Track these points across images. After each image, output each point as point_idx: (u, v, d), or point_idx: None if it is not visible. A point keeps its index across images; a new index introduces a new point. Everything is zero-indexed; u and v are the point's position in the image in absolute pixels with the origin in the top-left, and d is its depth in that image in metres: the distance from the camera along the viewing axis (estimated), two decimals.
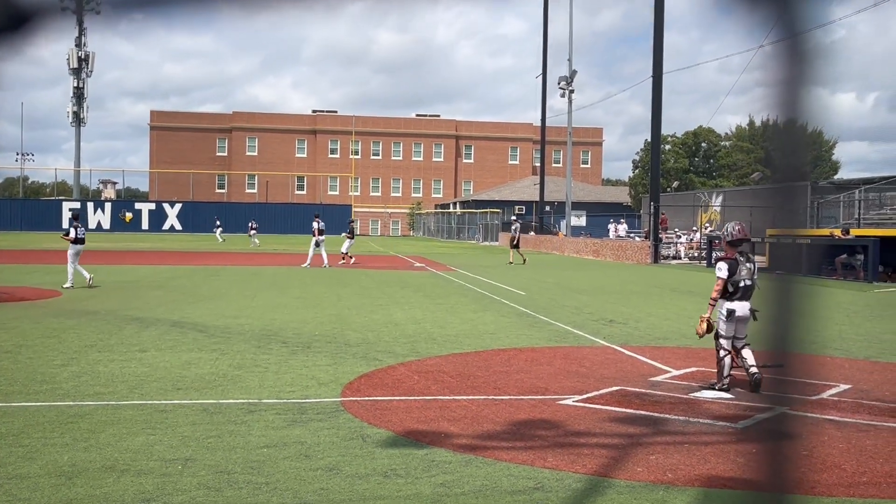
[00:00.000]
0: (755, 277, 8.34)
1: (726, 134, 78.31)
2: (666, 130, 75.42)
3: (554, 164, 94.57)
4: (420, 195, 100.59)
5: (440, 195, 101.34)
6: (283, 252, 41.33)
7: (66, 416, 6.75)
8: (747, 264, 8.36)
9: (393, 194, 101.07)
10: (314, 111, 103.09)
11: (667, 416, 7.23)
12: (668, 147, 71.40)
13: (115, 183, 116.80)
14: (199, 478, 5.19)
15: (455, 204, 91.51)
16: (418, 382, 8.53)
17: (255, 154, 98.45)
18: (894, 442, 6.50)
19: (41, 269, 24.96)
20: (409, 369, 9.27)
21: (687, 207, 47.50)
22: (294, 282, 21.90)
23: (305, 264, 28.44)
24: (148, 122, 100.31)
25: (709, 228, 40.79)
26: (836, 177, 64.90)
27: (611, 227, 54.18)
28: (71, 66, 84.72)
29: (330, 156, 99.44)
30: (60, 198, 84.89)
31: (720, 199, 45.76)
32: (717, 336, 8.33)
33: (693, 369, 9.60)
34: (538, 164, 64.44)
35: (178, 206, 77.23)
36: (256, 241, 50.66)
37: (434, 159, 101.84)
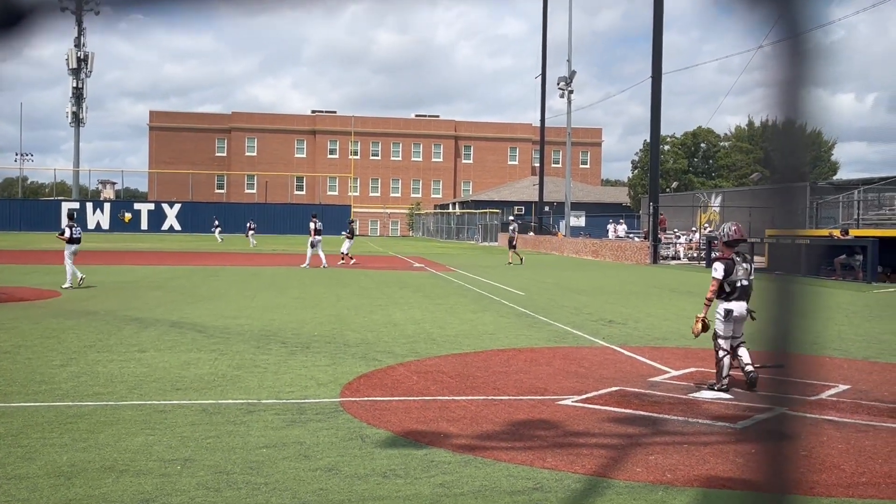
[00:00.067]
0: (752, 278, 8.35)
1: (725, 134, 78.36)
2: (665, 131, 75.60)
3: (553, 165, 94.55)
4: (419, 195, 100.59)
5: (439, 195, 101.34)
6: (283, 252, 41.32)
7: (65, 416, 6.75)
8: (744, 264, 8.36)
9: (392, 195, 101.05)
10: (313, 111, 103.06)
11: (666, 416, 7.23)
12: (667, 147, 71.45)
13: (114, 183, 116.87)
14: (198, 478, 5.19)
15: (454, 204, 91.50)
16: (417, 383, 8.52)
17: (255, 154, 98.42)
18: (893, 442, 6.51)
19: (40, 269, 24.94)
20: (408, 370, 9.27)
21: (686, 208, 47.51)
22: (293, 282, 21.90)
23: (304, 265, 28.43)
24: (147, 123, 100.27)
25: (708, 229, 40.79)
26: (835, 177, 64.93)
27: (610, 227, 54.19)
28: (70, 67, 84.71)
29: (329, 156, 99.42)
30: (60, 198, 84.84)
31: (719, 199, 45.78)
32: (716, 336, 8.33)
33: (692, 370, 9.60)
34: (537, 165, 64.41)
35: (177, 207, 77.21)
36: (254, 241, 50.72)
37: (433, 160, 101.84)
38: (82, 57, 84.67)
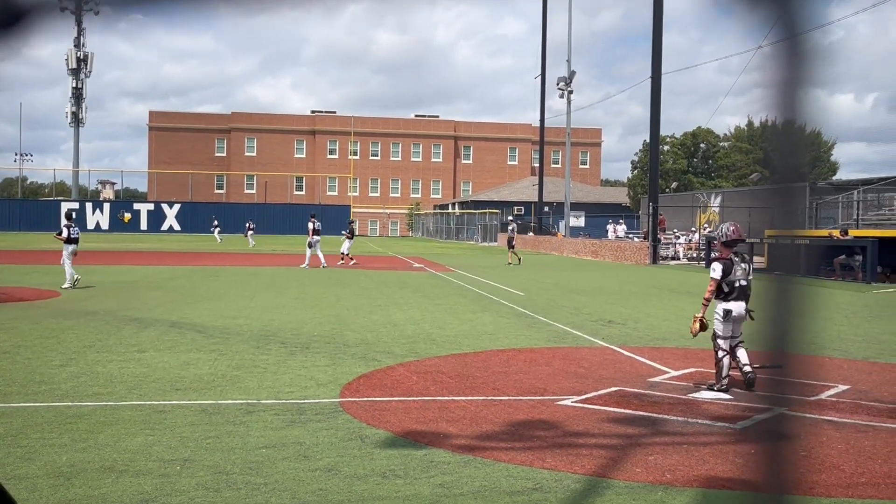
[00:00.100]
0: (750, 278, 8.35)
1: (725, 135, 78.37)
2: (665, 131, 75.55)
3: (553, 165, 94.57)
4: (419, 196, 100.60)
5: (439, 196, 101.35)
6: (282, 253, 41.32)
7: (65, 416, 6.75)
8: (742, 265, 8.37)
9: (392, 195, 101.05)
10: (313, 112, 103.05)
11: (665, 416, 7.23)
12: (666, 148, 71.47)
13: (113, 183, 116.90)
14: (198, 478, 5.19)
15: (454, 204, 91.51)
16: (417, 383, 8.52)
17: (254, 154, 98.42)
18: (893, 443, 6.51)
19: (40, 269, 24.94)
20: (407, 370, 9.27)
21: (686, 208, 47.53)
22: (293, 282, 21.90)
23: (304, 265, 28.44)
24: (147, 123, 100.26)
25: (707, 229, 40.80)
26: (834, 178, 64.94)
27: (609, 227, 54.21)
28: (70, 67, 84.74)
29: (329, 156, 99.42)
30: (59, 198, 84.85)
31: (719, 199, 45.80)
32: (715, 337, 8.33)
33: (692, 370, 9.60)
34: (537, 165, 64.46)
35: (176, 207, 77.24)
36: (252, 241, 50.84)
37: (433, 160, 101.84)
38: (82, 57, 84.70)
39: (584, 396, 7.98)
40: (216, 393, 7.79)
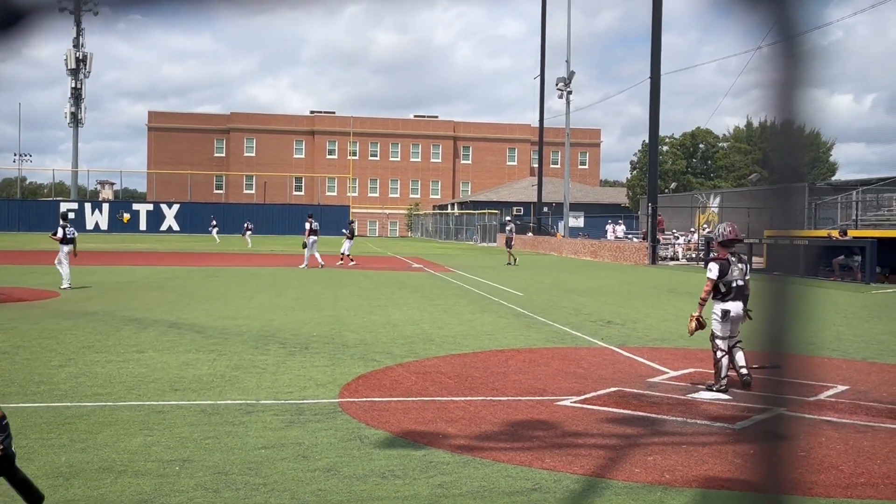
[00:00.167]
0: (747, 278, 8.36)
1: (724, 135, 78.43)
2: (664, 132, 75.60)
3: (552, 166, 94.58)
4: (418, 196, 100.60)
5: (438, 196, 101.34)
6: (281, 253, 41.31)
7: (64, 416, 6.75)
8: (739, 265, 8.37)
9: (391, 195, 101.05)
10: (312, 112, 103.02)
11: (664, 417, 7.23)
12: (665, 148, 71.51)
13: (112, 184, 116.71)
14: (197, 479, 5.19)
15: (453, 205, 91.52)
16: (416, 383, 8.53)
17: (253, 155, 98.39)
18: (892, 443, 6.51)
19: (39, 269, 24.92)
20: (406, 370, 9.27)
21: (685, 209, 47.53)
22: (292, 283, 21.90)
23: (303, 265, 28.45)
24: (146, 123, 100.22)
25: (706, 230, 40.81)
26: (833, 178, 64.95)
27: (609, 228, 54.21)
28: (69, 67, 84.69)
29: (328, 157, 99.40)
30: (58, 199, 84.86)
31: (718, 200, 45.83)
32: (713, 337, 8.34)
33: (690, 370, 9.60)
34: (536, 165, 64.44)
35: (175, 207, 77.20)
36: (250, 241, 50.94)
37: (432, 160, 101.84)
38: (81, 57, 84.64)
39: (583, 397, 7.98)
40: (215, 393, 7.79)
